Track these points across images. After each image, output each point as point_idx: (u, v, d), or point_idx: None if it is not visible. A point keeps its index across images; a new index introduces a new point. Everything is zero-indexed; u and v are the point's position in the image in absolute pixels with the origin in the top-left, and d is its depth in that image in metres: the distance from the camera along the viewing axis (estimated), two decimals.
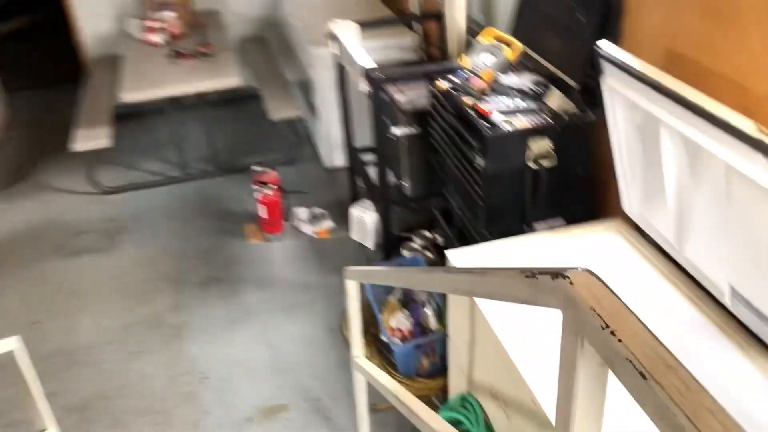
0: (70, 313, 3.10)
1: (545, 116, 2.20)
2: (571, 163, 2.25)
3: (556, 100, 2.22)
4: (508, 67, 2.38)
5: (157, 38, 4.19)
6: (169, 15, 4.32)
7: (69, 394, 2.66)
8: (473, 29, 2.97)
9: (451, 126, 2.41)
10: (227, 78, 3.72)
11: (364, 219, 3.32)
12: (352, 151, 3.55)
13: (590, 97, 2.21)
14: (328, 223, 3.55)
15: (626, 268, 1.99)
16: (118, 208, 3.84)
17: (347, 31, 3.03)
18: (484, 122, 2.20)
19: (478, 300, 1.83)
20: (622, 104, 1.82)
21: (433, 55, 3.55)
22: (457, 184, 2.49)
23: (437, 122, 2.60)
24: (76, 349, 2.89)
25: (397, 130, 2.83)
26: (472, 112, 2.26)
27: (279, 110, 3.84)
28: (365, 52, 2.84)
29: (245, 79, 4.09)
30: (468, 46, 2.91)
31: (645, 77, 1.64)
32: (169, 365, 2.79)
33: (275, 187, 3.42)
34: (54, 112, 5.05)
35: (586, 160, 2.27)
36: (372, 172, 3.47)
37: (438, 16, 3.25)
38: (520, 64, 2.45)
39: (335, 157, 4.07)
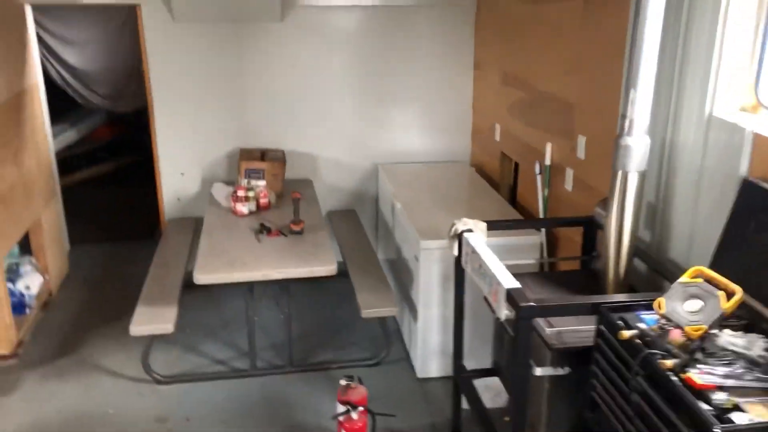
0: None
1: None
2: None
3: None
4: (721, 321, 1.74)
5: (243, 208, 3.76)
6: (259, 183, 3.93)
7: None
8: (640, 249, 2.38)
9: (638, 391, 1.74)
10: (321, 265, 3.19)
11: None
12: (460, 369, 2.89)
13: None
14: None
15: None
16: (170, 404, 3.20)
17: (477, 235, 2.49)
18: (702, 403, 1.53)
19: None
20: None
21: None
22: None
23: (603, 371, 1.94)
24: None
25: (539, 370, 2.18)
26: (678, 382, 1.60)
27: (372, 306, 3.26)
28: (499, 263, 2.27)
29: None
30: (629, 268, 2.31)
31: None
32: None
33: (362, 408, 2.74)
34: (116, 272, 4.63)
35: None
36: (487, 399, 2.78)
37: (578, 223, 2.71)
38: (735, 317, 1.82)
39: (431, 365, 3.41)
